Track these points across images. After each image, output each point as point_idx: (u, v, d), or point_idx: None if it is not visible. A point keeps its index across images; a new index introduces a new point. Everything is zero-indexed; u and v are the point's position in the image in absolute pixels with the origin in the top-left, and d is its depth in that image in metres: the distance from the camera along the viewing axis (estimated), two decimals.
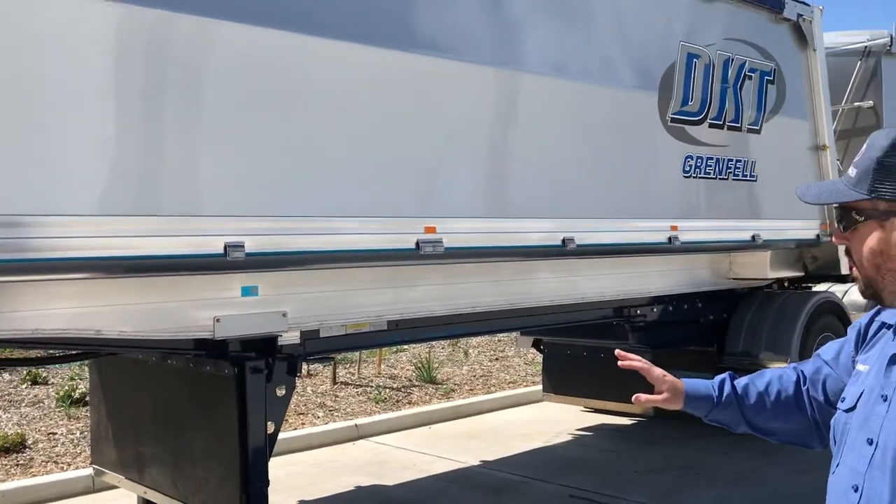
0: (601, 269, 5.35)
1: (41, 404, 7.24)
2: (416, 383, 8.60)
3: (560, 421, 7.15)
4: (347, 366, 9.16)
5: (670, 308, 6.12)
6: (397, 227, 3.87)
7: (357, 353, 9.09)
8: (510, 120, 4.43)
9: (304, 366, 8.58)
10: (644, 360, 1.85)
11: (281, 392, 3.93)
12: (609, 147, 4.94)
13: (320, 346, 4.20)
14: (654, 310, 6.02)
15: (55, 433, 6.38)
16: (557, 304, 5.19)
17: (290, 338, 3.95)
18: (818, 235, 6.32)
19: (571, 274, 5.16)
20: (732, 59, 5.66)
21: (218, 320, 3.59)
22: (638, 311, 5.88)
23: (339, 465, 5.96)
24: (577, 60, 4.77)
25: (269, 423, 3.84)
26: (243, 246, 3.29)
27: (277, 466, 5.66)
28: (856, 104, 7.42)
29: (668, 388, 1.78)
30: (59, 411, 6.97)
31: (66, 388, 7.40)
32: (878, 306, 1.59)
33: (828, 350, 1.77)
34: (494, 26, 4.36)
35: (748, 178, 5.87)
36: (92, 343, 3.44)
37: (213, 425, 3.86)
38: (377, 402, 7.72)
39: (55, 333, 3.18)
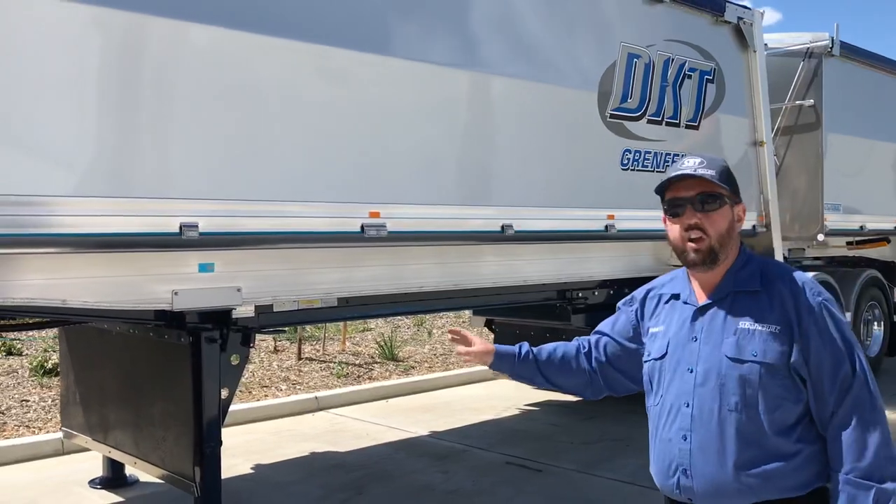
0: (543, 254, 5.70)
1: (15, 374, 7.56)
2: (379, 360, 8.99)
3: (510, 397, 7.56)
4: (314, 343, 9.53)
5: (611, 292, 6.50)
6: (343, 211, 4.22)
7: (323, 331, 9.48)
8: (453, 114, 4.76)
9: (272, 342, 8.98)
10: (466, 333, 2.40)
11: (235, 361, 4.27)
12: (549, 140, 5.30)
13: (274, 320, 4.54)
14: (596, 293, 6.41)
15: (28, 400, 6.71)
16: (501, 285, 5.55)
17: (245, 311, 4.28)
18: (754, 226, 6.74)
19: (514, 258, 5.51)
20: (672, 59, 6.03)
21: (176, 293, 3.91)
22: (579, 294, 6.28)
23: (297, 433, 6.34)
24: (520, 58, 5.11)
25: (222, 389, 4.18)
26: (197, 226, 3.63)
27: (237, 434, 6.07)
28: (798, 102, 7.82)
29: (481, 346, 2.34)
30: (33, 380, 7.29)
31: (39, 358, 7.72)
32: (651, 284, 2.23)
33: (603, 325, 2.34)
34: (439, 25, 4.70)
35: None
36: (58, 312, 3.76)
37: (170, 390, 4.21)
38: (339, 377, 8.10)
39: (24, 302, 3.50)
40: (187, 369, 4.05)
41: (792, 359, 1.89)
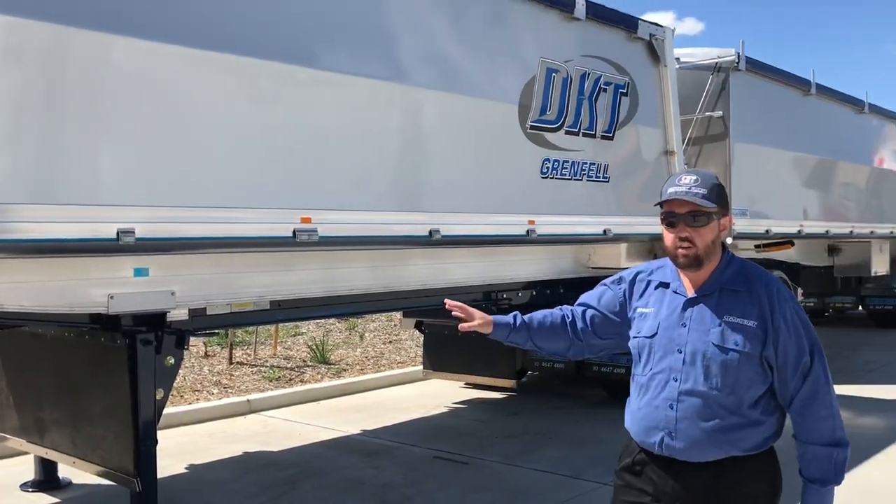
0: (470, 258, 5.99)
1: None
2: (310, 364, 9.14)
3: (439, 395, 7.82)
4: (245, 347, 9.61)
5: (534, 293, 6.85)
6: (276, 216, 4.39)
7: (255, 336, 9.57)
8: (383, 124, 4.98)
9: (203, 347, 9.03)
10: (465, 306, 2.65)
11: (170, 362, 4.41)
12: (474, 150, 5.59)
13: (208, 323, 4.68)
14: (520, 294, 6.74)
15: None
16: (430, 288, 5.81)
17: (179, 314, 4.42)
18: None
19: (443, 261, 5.79)
20: (589, 74, 6.39)
21: (112, 297, 4.03)
22: (504, 296, 6.59)
23: (230, 435, 6.46)
24: (446, 73, 5.38)
25: (158, 389, 4.32)
26: (134, 231, 3.77)
27: (170, 437, 6.17)
28: (707, 114, 8.31)
29: (481, 318, 2.62)
30: None
31: None
32: (637, 269, 2.58)
33: (589, 298, 2.66)
34: (369, 40, 4.93)
35: (601, 179, 6.63)
36: None
37: (108, 390, 4.32)
38: (270, 381, 8.22)
39: None
40: (123, 370, 4.17)
41: (764, 350, 2.28)
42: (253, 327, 9.24)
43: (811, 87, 9.57)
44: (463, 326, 2.64)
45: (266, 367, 8.78)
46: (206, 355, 9.12)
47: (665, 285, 2.46)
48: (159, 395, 4.34)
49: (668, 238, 2.38)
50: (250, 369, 8.65)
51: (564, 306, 2.68)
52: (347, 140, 4.81)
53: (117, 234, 3.73)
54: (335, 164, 4.77)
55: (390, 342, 10.71)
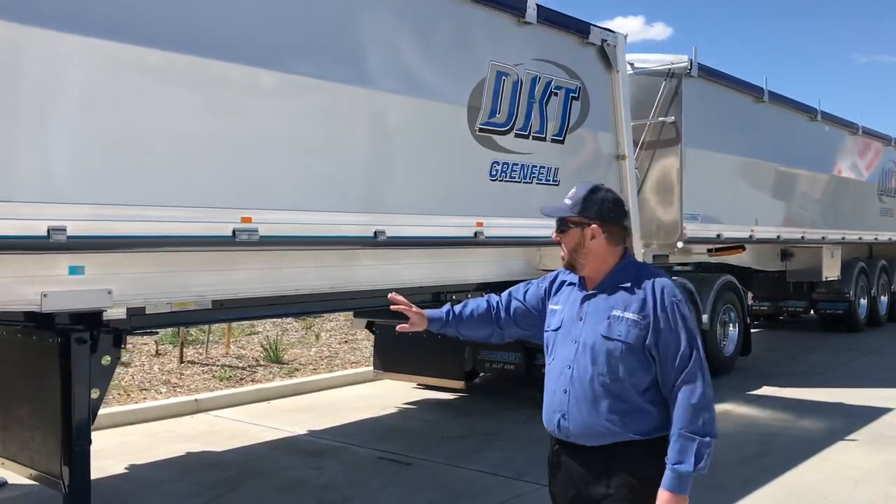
0: (418, 259, 5.99)
1: None
2: (263, 363, 9.09)
3: (390, 396, 7.83)
4: (197, 346, 9.53)
5: (484, 294, 6.87)
6: (214, 216, 4.36)
7: (206, 335, 9.48)
8: (328, 125, 4.97)
9: (154, 345, 8.93)
10: (407, 302, 2.88)
11: (106, 361, 4.35)
12: (421, 151, 5.60)
13: (148, 322, 4.64)
14: (469, 296, 6.73)
15: None
16: (379, 288, 5.79)
17: (117, 313, 4.35)
18: None
19: (391, 262, 5.78)
20: (540, 77, 6.44)
21: (45, 295, 3.97)
22: (453, 297, 6.60)
23: (174, 434, 6.40)
24: (393, 74, 5.39)
25: (93, 389, 4.27)
26: (65, 229, 3.72)
27: (113, 436, 6.10)
28: (660, 119, 8.41)
29: (415, 314, 2.87)
30: None
31: None
32: (560, 271, 2.80)
33: (517, 291, 2.91)
34: (314, 40, 4.92)
35: (552, 182, 6.68)
36: None
37: (39, 390, 4.26)
38: (221, 380, 8.16)
39: None
40: (55, 369, 4.11)
41: (647, 341, 2.49)
42: (205, 326, 9.16)
43: (764, 94, 9.74)
44: (400, 328, 2.91)
45: (217, 366, 8.71)
46: (157, 354, 9.03)
47: (572, 284, 2.73)
48: (94, 394, 4.29)
49: None
50: (201, 368, 8.58)
51: (492, 295, 2.96)
52: (290, 141, 4.80)
53: (48, 231, 3.69)
54: (278, 165, 4.75)
55: (346, 342, 10.69)
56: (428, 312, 2.90)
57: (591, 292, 2.62)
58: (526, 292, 2.88)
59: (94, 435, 5.96)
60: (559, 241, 2.67)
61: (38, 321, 4.20)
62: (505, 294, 2.93)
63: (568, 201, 2.66)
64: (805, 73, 55.95)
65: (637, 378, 2.50)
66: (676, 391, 2.47)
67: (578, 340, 2.57)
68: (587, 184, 2.73)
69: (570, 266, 2.65)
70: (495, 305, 2.90)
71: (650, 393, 2.51)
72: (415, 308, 2.88)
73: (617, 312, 2.53)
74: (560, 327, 2.65)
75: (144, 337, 7.86)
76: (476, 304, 2.93)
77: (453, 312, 2.90)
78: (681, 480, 2.42)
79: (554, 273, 2.85)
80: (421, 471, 5.51)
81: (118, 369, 8.10)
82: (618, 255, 2.65)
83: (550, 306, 2.75)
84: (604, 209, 2.64)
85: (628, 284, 2.58)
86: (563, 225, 2.66)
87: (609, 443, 2.50)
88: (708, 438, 2.44)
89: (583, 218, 2.62)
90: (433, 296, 6.50)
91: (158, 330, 5.25)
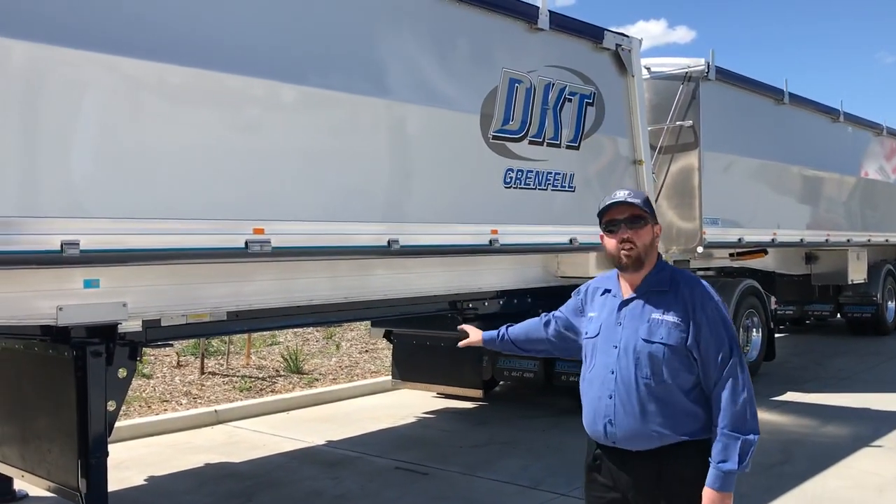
0: (434, 267, 5.98)
1: None
2: (283, 373, 9.12)
3: (410, 405, 7.81)
4: (218, 357, 9.58)
5: (500, 302, 6.86)
6: (227, 227, 4.38)
7: (227, 345, 9.54)
8: (335, 134, 4.97)
9: (176, 357, 9.01)
10: (474, 330, 3.25)
11: (122, 374, 4.40)
12: (434, 160, 5.59)
13: (163, 334, 4.68)
14: (486, 304, 6.75)
15: None
16: (392, 297, 5.82)
17: (132, 326, 4.42)
18: None
19: (405, 271, 5.78)
20: (553, 84, 6.41)
21: (61, 309, 4.02)
22: (469, 305, 6.60)
23: (194, 446, 6.43)
24: (403, 83, 5.39)
25: (109, 401, 4.31)
26: (78, 243, 3.76)
27: (134, 448, 6.15)
28: (678, 123, 8.34)
29: (474, 337, 3.22)
30: None
31: None
32: (591, 281, 2.89)
33: (564, 308, 2.99)
34: (326, 51, 4.94)
35: (567, 188, 6.64)
36: None
37: (55, 403, 4.30)
38: (241, 391, 8.20)
39: None
40: (70, 383, 4.16)
41: (688, 343, 2.52)
42: (226, 337, 9.22)
43: (784, 95, 9.63)
44: (461, 343, 3.26)
45: (238, 377, 8.75)
46: (179, 365, 9.09)
47: (608, 291, 2.76)
48: (111, 407, 4.33)
49: (611, 243, 2.68)
50: (222, 379, 8.63)
51: (547, 314, 3.07)
52: (302, 152, 4.81)
53: (61, 245, 3.72)
54: (290, 176, 4.77)
55: (366, 351, 10.70)
56: (484, 335, 3.18)
57: (629, 297, 2.66)
58: (569, 306, 2.97)
59: (116, 446, 6.07)
60: (627, 237, 2.61)
61: (54, 335, 4.25)
62: (556, 311, 3.02)
63: (633, 199, 2.66)
64: (830, 74, 55.30)
65: (681, 379, 2.54)
66: (718, 391, 2.51)
67: (619, 345, 2.60)
68: (628, 188, 2.90)
69: (637, 263, 2.62)
70: (548, 319, 3.01)
71: (695, 393, 2.55)
72: (472, 330, 3.24)
73: (657, 315, 2.57)
74: (598, 334, 2.68)
75: (166, 349, 7.96)
76: (532, 323, 3.08)
77: (508, 335, 3.11)
78: (725, 479, 2.46)
79: (587, 284, 2.91)
80: (437, 480, 5.49)
81: (140, 381, 8.21)
82: (655, 258, 2.71)
83: (589, 314, 2.80)
84: (654, 210, 2.71)
85: (666, 287, 2.62)
86: (637, 220, 2.64)
87: (657, 446, 2.53)
88: (751, 436, 2.50)
89: (651, 215, 2.67)
90: (450, 304, 6.50)
91: (173, 342, 5.29)
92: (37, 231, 3.69)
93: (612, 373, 2.59)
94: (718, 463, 2.47)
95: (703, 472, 2.50)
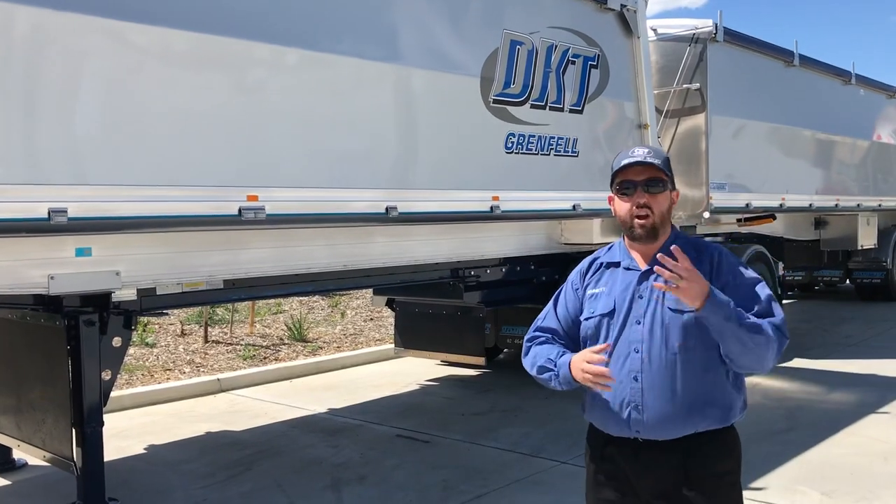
0: (434, 235, 5.90)
1: None
2: (287, 342, 9.10)
3: (413, 373, 7.78)
4: (223, 326, 9.57)
5: (503, 270, 6.78)
6: (220, 194, 4.28)
7: (231, 314, 9.52)
8: (330, 98, 4.85)
9: (179, 325, 8.99)
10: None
11: (117, 343, 4.36)
12: (432, 125, 5.46)
13: (158, 303, 4.63)
14: (489, 271, 6.67)
15: None
16: (392, 265, 5.75)
17: (126, 294, 4.34)
18: None
19: (405, 238, 5.69)
20: (556, 46, 6.25)
21: (52, 278, 3.96)
22: (471, 273, 6.52)
23: (196, 414, 6.42)
24: (400, 44, 5.25)
25: (104, 371, 4.27)
26: (66, 211, 3.68)
27: (135, 417, 6.14)
28: (685, 86, 8.17)
29: None
30: None
31: None
32: (589, 258, 2.55)
33: (549, 319, 2.54)
34: (320, 12, 4.80)
35: (570, 153, 6.52)
36: None
37: (49, 373, 4.27)
38: (245, 359, 8.18)
39: None
40: (64, 352, 4.12)
41: None
42: (230, 305, 9.20)
43: (794, 57, 9.41)
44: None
45: (241, 345, 8.74)
46: (183, 334, 9.08)
47: (615, 265, 2.45)
48: (106, 376, 4.30)
49: (623, 208, 2.37)
50: (225, 348, 8.61)
51: (541, 333, 2.54)
52: (296, 116, 4.69)
53: (48, 213, 3.65)
54: (284, 141, 4.66)
55: (371, 319, 10.67)
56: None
57: (647, 268, 2.36)
58: (559, 309, 2.52)
59: (117, 415, 6.08)
60: (644, 202, 2.31)
61: (47, 304, 4.21)
62: (545, 333, 2.52)
63: (653, 159, 2.34)
64: (841, 36, 54.37)
65: (714, 352, 2.27)
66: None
67: (643, 320, 2.32)
68: (648, 146, 2.55)
69: (651, 233, 2.33)
70: (557, 341, 2.50)
71: (731, 373, 2.33)
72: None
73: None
74: (613, 311, 2.36)
75: (171, 318, 7.94)
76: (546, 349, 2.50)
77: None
78: (716, 301, 2.18)
79: (581, 264, 2.56)
80: (438, 448, 5.46)
81: (143, 350, 8.20)
82: (670, 225, 2.46)
83: (589, 291, 2.46)
84: (672, 173, 2.42)
85: (688, 253, 2.29)
86: (656, 183, 2.34)
87: (690, 433, 2.28)
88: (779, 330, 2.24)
89: (670, 179, 2.39)
90: (451, 272, 6.42)
91: (169, 311, 5.25)
92: (23, 198, 3.62)
93: (637, 351, 2.30)
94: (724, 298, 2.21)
95: (733, 465, 2.33)
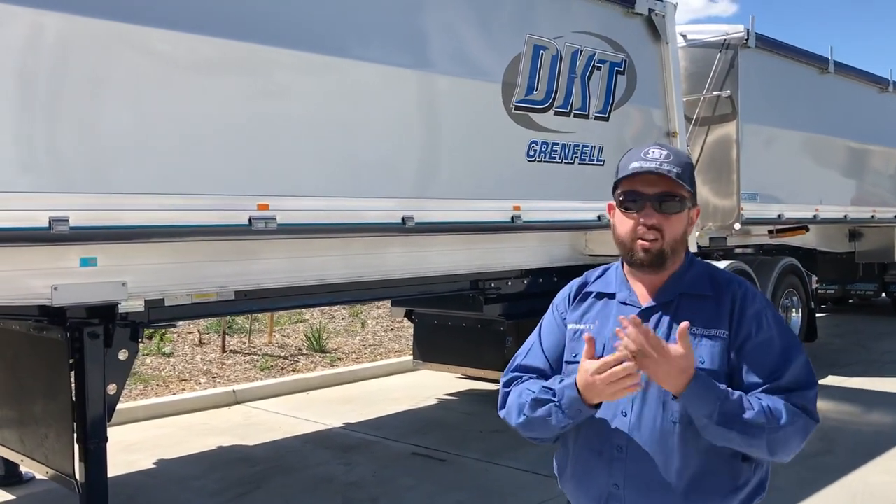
0: (453, 245, 5.70)
1: None
2: (306, 352, 8.95)
3: (432, 387, 7.59)
4: (241, 335, 9.45)
5: (524, 282, 6.57)
6: (230, 203, 4.15)
7: (249, 323, 9.40)
8: (346, 104, 4.70)
9: (198, 335, 8.89)
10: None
11: (123, 356, 4.22)
12: (450, 132, 5.29)
13: (167, 314, 4.49)
14: (510, 283, 6.47)
15: None
16: (409, 277, 5.57)
17: (133, 305, 4.21)
18: None
19: (423, 249, 5.51)
20: (581, 51, 6.06)
21: (56, 288, 3.83)
22: (492, 285, 6.32)
23: (209, 427, 6.28)
24: (420, 50, 5.10)
25: (109, 384, 4.13)
26: (68, 220, 3.56)
27: (146, 429, 6.02)
28: (715, 93, 7.93)
29: None
30: None
31: None
32: (575, 281, 2.03)
33: (534, 357, 2.03)
34: (337, 17, 4.65)
35: (595, 162, 6.31)
36: None
37: (51, 386, 4.14)
38: (262, 370, 8.05)
39: None
40: (66, 366, 3.98)
41: (730, 358, 1.81)
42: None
43: (829, 64, 9.13)
44: None
45: (259, 355, 8.61)
46: (201, 343, 8.97)
47: (610, 296, 1.93)
48: (111, 390, 4.16)
49: (625, 225, 1.84)
50: (243, 358, 8.49)
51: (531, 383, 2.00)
52: (310, 123, 4.55)
53: (49, 222, 3.53)
54: (297, 149, 4.52)
55: (392, 329, 10.50)
56: None
57: (650, 305, 1.87)
58: (545, 341, 2.01)
59: (128, 428, 5.95)
60: (653, 224, 1.81)
61: (51, 315, 4.08)
62: (529, 374, 2.01)
63: (672, 167, 1.81)
64: (878, 42, 53.42)
65: None
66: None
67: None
68: (670, 146, 1.98)
69: (657, 261, 1.83)
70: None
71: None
72: None
73: (697, 330, 1.79)
74: (601, 356, 1.77)
75: (189, 326, 7.81)
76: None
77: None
78: (699, 392, 1.70)
79: (569, 287, 2.05)
80: (454, 467, 5.26)
81: (160, 360, 8.10)
82: (685, 251, 1.93)
83: (573, 326, 1.94)
84: (695, 185, 1.90)
85: (706, 290, 1.87)
86: (670, 200, 1.82)
87: None
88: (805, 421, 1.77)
89: (692, 195, 1.86)
90: (471, 284, 6.23)
91: (177, 322, 5.12)
92: (25, 207, 3.50)
93: (625, 415, 1.80)
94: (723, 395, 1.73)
95: None
